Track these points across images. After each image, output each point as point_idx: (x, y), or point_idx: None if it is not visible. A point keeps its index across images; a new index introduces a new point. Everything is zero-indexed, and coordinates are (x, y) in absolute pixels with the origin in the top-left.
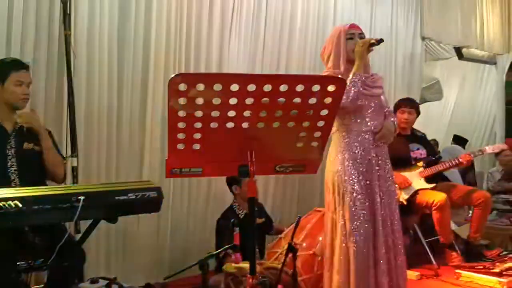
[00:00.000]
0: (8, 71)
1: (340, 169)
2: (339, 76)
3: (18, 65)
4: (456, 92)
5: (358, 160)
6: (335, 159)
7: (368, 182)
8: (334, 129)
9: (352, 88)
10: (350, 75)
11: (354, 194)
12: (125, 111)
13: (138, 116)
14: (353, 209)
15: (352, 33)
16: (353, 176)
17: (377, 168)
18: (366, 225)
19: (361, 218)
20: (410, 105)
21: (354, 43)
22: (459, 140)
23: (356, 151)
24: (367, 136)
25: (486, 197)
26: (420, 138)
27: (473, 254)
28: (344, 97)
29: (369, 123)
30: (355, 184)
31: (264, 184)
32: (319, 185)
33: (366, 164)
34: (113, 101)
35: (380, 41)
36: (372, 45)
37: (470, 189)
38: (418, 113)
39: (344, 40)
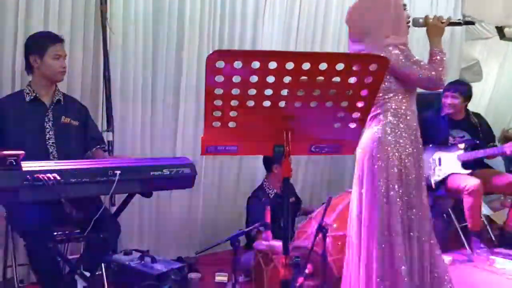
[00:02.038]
0: (46, 44)
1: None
2: (402, 47)
3: (55, 38)
4: (496, 73)
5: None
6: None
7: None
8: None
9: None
10: (436, 51)
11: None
12: (159, 86)
13: (172, 92)
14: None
15: (405, 4)
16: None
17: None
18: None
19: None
20: (453, 88)
21: (407, 15)
22: None
23: (399, 131)
24: (409, 118)
25: None
26: (470, 125)
27: (507, 241)
28: (435, 73)
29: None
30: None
31: (295, 163)
32: (351, 165)
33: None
34: (147, 77)
35: (468, 22)
36: (456, 24)
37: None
38: (465, 96)
39: (403, 10)
